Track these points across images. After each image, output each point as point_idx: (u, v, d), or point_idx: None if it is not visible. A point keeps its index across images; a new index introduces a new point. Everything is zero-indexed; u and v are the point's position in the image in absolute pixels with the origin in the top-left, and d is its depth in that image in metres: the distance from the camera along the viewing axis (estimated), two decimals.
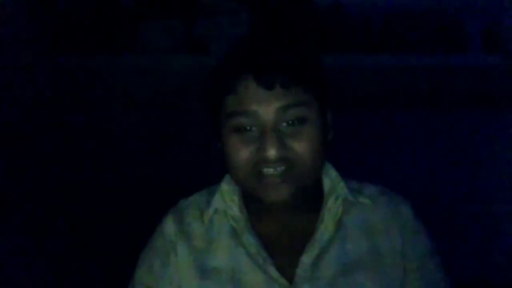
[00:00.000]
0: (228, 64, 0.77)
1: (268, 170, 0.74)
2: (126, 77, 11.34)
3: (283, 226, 0.82)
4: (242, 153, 0.75)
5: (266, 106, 0.73)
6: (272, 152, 0.72)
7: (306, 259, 0.78)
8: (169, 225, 0.86)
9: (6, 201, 4.25)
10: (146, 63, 11.93)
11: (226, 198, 0.84)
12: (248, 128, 0.74)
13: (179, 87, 10.76)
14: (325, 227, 0.80)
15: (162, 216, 0.91)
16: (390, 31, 13.57)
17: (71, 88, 10.64)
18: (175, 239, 0.84)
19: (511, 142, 6.79)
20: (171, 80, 11.24)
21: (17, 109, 8.58)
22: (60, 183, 4.83)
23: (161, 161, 5.72)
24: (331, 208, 0.82)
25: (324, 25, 12.98)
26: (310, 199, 0.83)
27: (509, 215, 3.91)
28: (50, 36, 11.15)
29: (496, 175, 5.09)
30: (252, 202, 0.82)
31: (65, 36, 11.81)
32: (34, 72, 9.98)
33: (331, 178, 0.85)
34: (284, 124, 0.74)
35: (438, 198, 4.36)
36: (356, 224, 0.82)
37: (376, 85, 11.47)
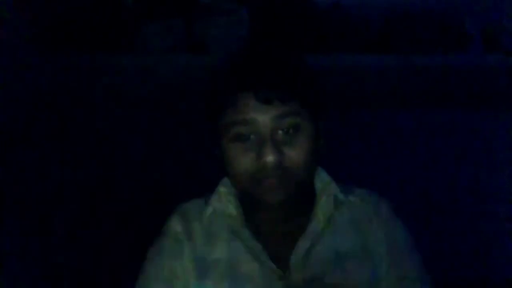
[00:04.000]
0: (227, 81, 0.83)
1: (267, 175, 0.79)
2: (126, 77, 11.34)
3: (277, 224, 0.89)
4: (242, 161, 0.81)
5: (263, 115, 0.79)
6: (270, 159, 0.78)
7: (299, 249, 0.85)
8: (175, 225, 0.91)
9: (6, 201, 4.25)
10: (146, 63, 11.94)
11: (223, 199, 0.91)
12: (246, 136, 0.80)
13: (179, 87, 10.77)
14: (318, 221, 0.88)
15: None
16: (390, 31, 13.59)
17: (71, 88, 10.64)
18: (182, 238, 0.90)
19: (511, 142, 6.79)
20: (171, 80, 11.25)
21: (17, 109, 8.58)
22: (60, 183, 4.83)
23: (160, 161, 5.73)
24: (323, 205, 0.89)
25: (324, 25, 12.99)
26: (303, 200, 0.90)
27: (509, 215, 3.91)
28: (50, 36, 11.16)
29: (496, 175, 5.09)
30: (248, 202, 0.88)
31: (65, 36, 11.82)
32: (34, 72, 9.98)
33: (322, 180, 0.93)
34: (280, 132, 0.80)
35: (437, 198, 4.36)
36: (345, 220, 0.90)
37: (376, 85, 11.47)
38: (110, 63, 11.56)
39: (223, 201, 0.90)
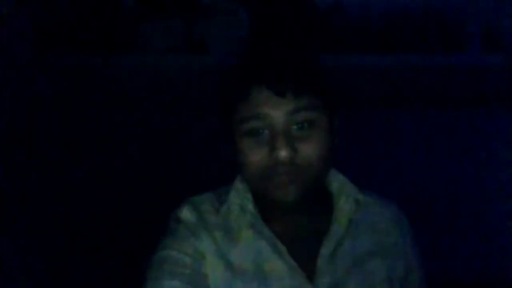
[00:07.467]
0: (240, 74, 0.81)
1: (279, 171, 0.77)
2: (126, 77, 11.35)
3: (292, 227, 0.86)
4: (254, 155, 0.79)
5: (277, 109, 0.77)
6: (283, 154, 0.76)
7: (325, 251, 0.83)
8: (186, 213, 0.86)
9: (6, 201, 4.26)
10: (146, 63, 11.95)
11: (242, 195, 0.87)
12: (260, 131, 0.78)
13: (179, 87, 10.78)
14: (339, 224, 0.85)
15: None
16: (390, 31, 13.60)
17: (71, 88, 10.65)
18: (196, 226, 0.85)
19: (511, 142, 6.79)
20: (171, 80, 11.26)
21: (17, 109, 8.59)
22: (60, 183, 4.83)
23: (161, 160, 5.73)
24: (344, 206, 0.87)
25: (325, 25, 13.01)
26: (318, 201, 0.87)
27: (509, 215, 3.91)
28: (50, 36, 11.18)
29: (496, 175, 5.09)
30: (262, 203, 0.85)
31: (65, 36, 11.83)
32: (34, 72, 10.00)
33: (338, 180, 0.90)
34: (294, 127, 0.78)
35: (438, 198, 4.36)
36: (363, 221, 0.88)
37: (376, 85, 11.49)
38: (110, 63, 11.58)
39: (242, 198, 0.87)
